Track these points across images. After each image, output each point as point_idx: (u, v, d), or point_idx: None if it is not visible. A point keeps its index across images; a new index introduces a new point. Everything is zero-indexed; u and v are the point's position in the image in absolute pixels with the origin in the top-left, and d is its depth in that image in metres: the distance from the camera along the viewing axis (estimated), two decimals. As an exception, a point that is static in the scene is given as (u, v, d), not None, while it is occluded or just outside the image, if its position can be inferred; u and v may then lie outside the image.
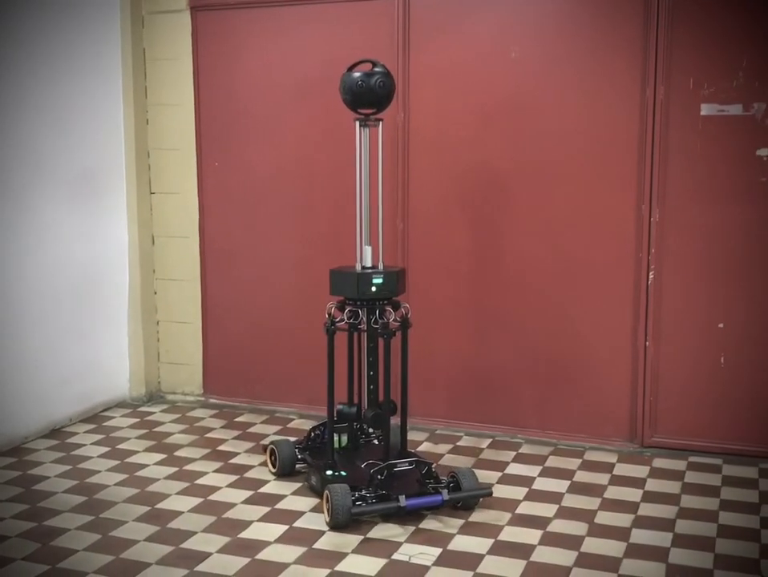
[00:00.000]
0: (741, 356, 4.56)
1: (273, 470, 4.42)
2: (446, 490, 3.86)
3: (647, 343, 4.67)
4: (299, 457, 4.40)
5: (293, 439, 4.56)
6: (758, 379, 4.55)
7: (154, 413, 5.47)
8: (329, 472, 4.07)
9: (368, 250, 4.15)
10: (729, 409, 4.61)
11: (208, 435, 5.05)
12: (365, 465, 4.11)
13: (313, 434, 4.46)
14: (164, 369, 5.76)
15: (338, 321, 4.12)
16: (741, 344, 4.55)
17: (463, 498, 3.91)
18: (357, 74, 3.98)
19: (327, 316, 4.14)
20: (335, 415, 4.24)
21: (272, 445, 4.45)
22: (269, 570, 3.46)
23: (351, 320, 4.11)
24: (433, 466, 4.00)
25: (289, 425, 5.21)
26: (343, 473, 4.07)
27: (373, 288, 4.01)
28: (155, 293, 5.69)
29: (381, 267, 4.13)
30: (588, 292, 4.77)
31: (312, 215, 5.28)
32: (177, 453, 4.74)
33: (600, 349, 4.79)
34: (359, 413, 4.32)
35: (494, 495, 4.10)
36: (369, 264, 4.14)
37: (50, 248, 5.05)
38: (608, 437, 4.81)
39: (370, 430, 4.48)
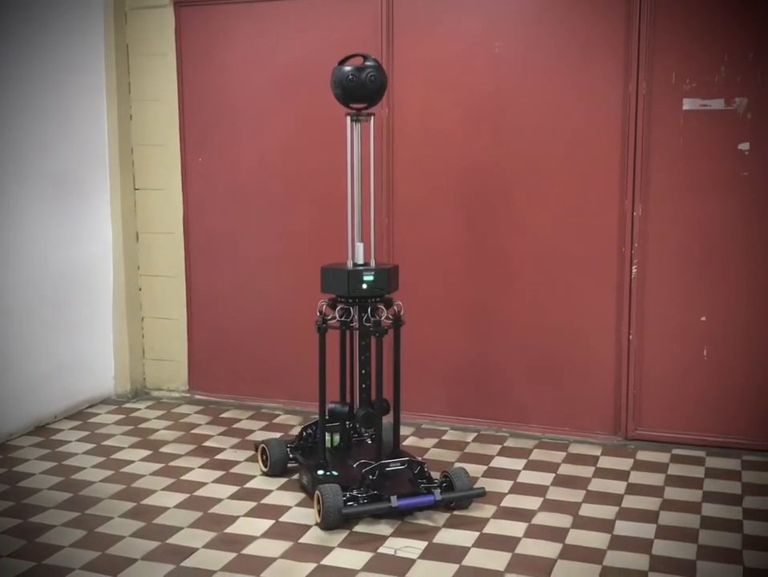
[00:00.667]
0: (724, 349, 4.60)
1: (265, 470, 4.37)
2: (438, 490, 3.82)
3: (630, 336, 4.70)
4: (290, 456, 4.34)
5: (280, 436, 4.57)
6: (741, 372, 4.58)
7: (139, 409, 5.46)
8: (320, 472, 4.02)
9: (360, 247, 4.10)
10: (712, 402, 4.65)
11: (194, 431, 5.05)
12: (357, 464, 4.06)
13: (305, 433, 4.40)
14: (149, 365, 5.76)
15: (330, 319, 4.07)
16: (723, 337, 4.59)
17: (456, 498, 3.88)
18: (347, 68, 3.92)
19: (318, 314, 4.08)
20: (327, 414, 4.19)
21: (263, 445, 4.39)
22: (256, 565, 3.46)
23: (343, 318, 4.05)
24: (425, 465, 3.95)
25: (274, 421, 5.22)
26: (335, 472, 4.01)
27: (364, 286, 3.96)
28: (140, 290, 5.68)
29: (373, 264, 4.08)
30: (572, 286, 4.80)
31: (296, 211, 5.28)
32: (163, 450, 4.74)
33: (583, 343, 4.82)
34: (351, 411, 4.26)
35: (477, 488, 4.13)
36: (361, 261, 4.09)
37: (34, 245, 5.03)
38: (592, 431, 4.84)
39: (363, 429, 4.41)
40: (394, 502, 3.71)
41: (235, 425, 5.14)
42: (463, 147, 4.90)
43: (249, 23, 5.23)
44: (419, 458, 4.19)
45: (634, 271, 4.66)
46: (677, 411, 4.71)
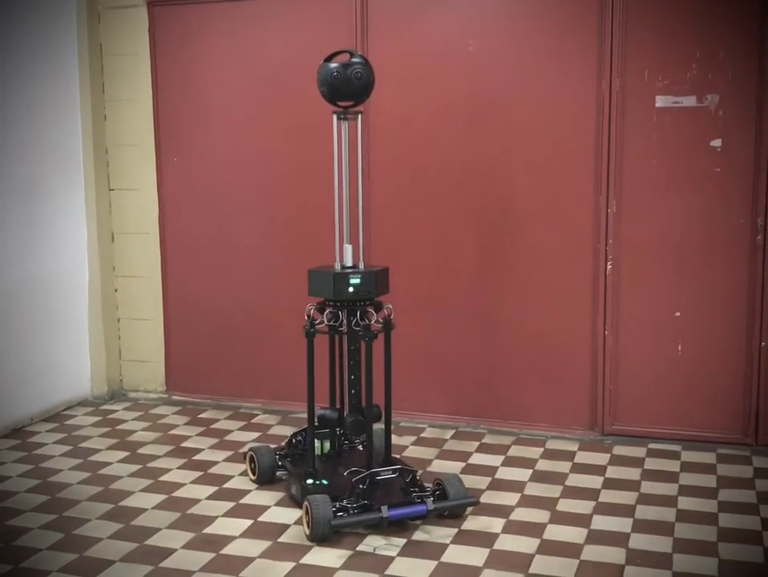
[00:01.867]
0: (698, 344, 4.64)
1: (253, 478, 4.24)
2: (431, 499, 3.71)
3: (606, 332, 4.74)
4: (279, 464, 4.22)
5: (273, 446, 4.42)
6: (715, 366, 4.63)
7: (116, 411, 5.44)
8: (309, 481, 3.90)
9: (348, 249, 3.98)
10: (687, 397, 4.69)
11: (172, 432, 5.04)
12: (347, 472, 3.93)
13: (294, 441, 4.28)
14: (126, 366, 5.73)
15: (318, 324, 3.95)
16: (697, 332, 4.64)
17: (449, 508, 3.76)
18: (332, 65, 3.82)
19: (306, 318, 3.96)
20: (316, 420, 4.05)
21: (251, 452, 4.27)
22: (234, 565, 3.46)
23: (331, 323, 3.94)
24: (417, 473, 3.87)
25: (253, 421, 5.21)
26: (324, 481, 3.90)
27: (351, 289, 3.83)
28: (116, 291, 5.66)
29: (361, 266, 3.95)
30: (547, 283, 4.82)
31: (274, 211, 5.28)
32: (140, 451, 4.72)
33: (560, 340, 4.84)
34: (341, 418, 4.12)
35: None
36: (349, 263, 3.96)
37: (8, 245, 5.00)
38: (569, 426, 4.87)
39: (352, 437, 4.31)
40: (385, 512, 3.60)
41: (213, 426, 5.13)
42: (438, 144, 4.91)
43: (223, 22, 5.22)
44: (411, 466, 4.05)
45: (609, 267, 4.70)
46: (652, 406, 4.74)
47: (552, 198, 4.77)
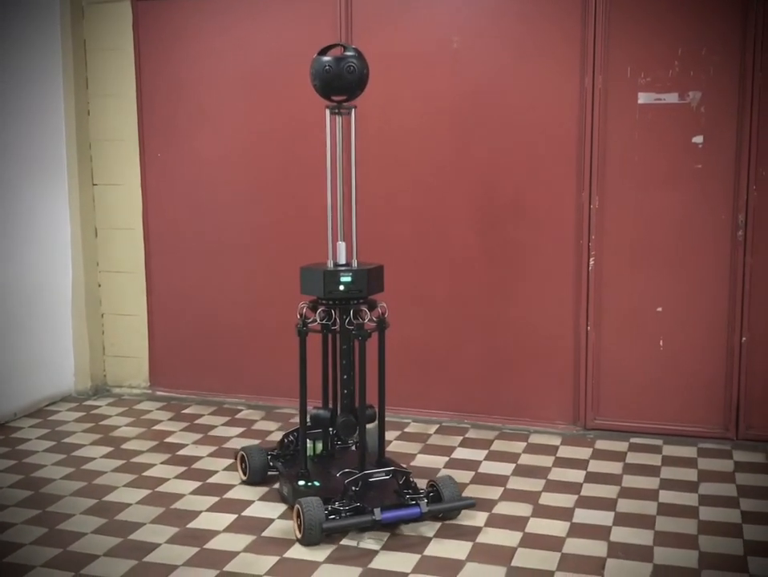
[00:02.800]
0: (680, 339, 4.68)
1: (244, 478, 4.18)
2: (425, 502, 3.65)
3: (588, 328, 4.77)
4: (271, 464, 4.15)
5: (260, 442, 4.40)
6: (696, 361, 4.67)
7: (100, 406, 5.43)
8: (301, 482, 3.84)
9: (341, 246, 3.90)
10: (668, 391, 4.73)
11: (155, 427, 5.04)
12: (340, 474, 3.87)
13: (286, 441, 4.20)
14: (110, 362, 5.72)
15: (311, 322, 3.87)
16: (679, 327, 4.67)
17: (444, 510, 3.72)
18: (325, 59, 3.74)
19: (299, 317, 3.89)
20: (309, 420, 3.99)
21: (242, 452, 4.20)
22: (219, 559, 3.47)
23: (324, 321, 3.86)
24: (411, 474, 3.80)
25: (237, 416, 5.22)
26: (316, 483, 3.83)
27: (341, 287, 3.75)
28: (99, 286, 5.65)
29: (355, 264, 3.87)
30: (531, 278, 4.85)
31: (258, 206, 5.28)
32: (124, 446, 4.72)
33: (543, 335, 4.87)
34: (334, 417, 4.02)
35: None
36: (343, 260, 3.89)
37: (-9, 241, 4.99)
38: (551, 421, 4.90)
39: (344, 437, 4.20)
40: (378, 515, 3.55)
41: (197, 421, 5.13)
42: (423, 141, 4.93)
43: (207, 17, 5.22)
44: (405, 467, 4.04)
45: (591, 263, 4.73)
46: (634, 401, 4.78)
47: (535, 194, 4.79)
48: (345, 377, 3.96)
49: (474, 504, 3.81)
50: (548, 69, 4.69)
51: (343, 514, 3.58)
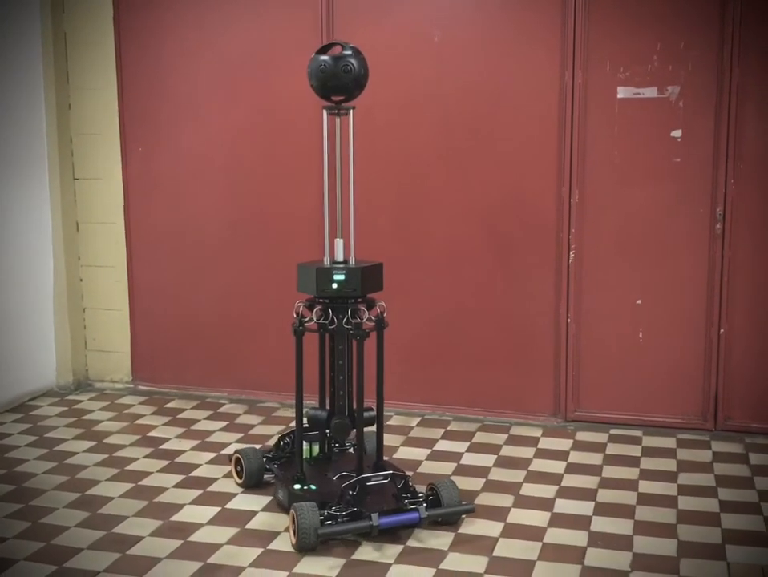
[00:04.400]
0: (659, 331, 4.73)
1: (239, 481, 4.08)
2: (423, 507, 3.55)
3: (569, 320, 4.81)
4: (267, 467, 4.04)
5: (260, 446, 4.32)
6: (676, 353, 4.72)
7: (82, 401, 5.42)
8: (297, 486, 3.73)
9: (339, 243, 3.79)
10: (647, 383, 4.78)
11: (138, 422, 5.04)
12: (337, 477, 3.77)
13: (282, 443, 4.10)
14: (92, 356, 5.71)
15: (307, 321, 3.77)
16: (658, 319, 4.72)
17: (443, 515, 3.62)
18: (321, 57, 3.65)
19: (295, 315, 3.77)
20: (306, 421, 3.86)
21: (237, 455, 4.09)
22: (202, 551, 3.49)
23: (321, 320, 3.75)
24: (410, 478, 3.73)
25: (219, 410, 5.23)
26: (313, 487, 3.72)
27: (334, 285, 3.65)
28: (81, 280, 5.63)
29: (352, 262, 3.77)
30: (512, 272, 4.88)
31: (241, 200, 5.28)
32: (107, 441, 4.72)
33: (523, 327, 4.91)
34: (331, 419, 3.86)
35: (422, 472, 4.21)
36: (340, 258, 3.78)
37: (-29, 235, 4.97)
38: (532, 413, 4.94)
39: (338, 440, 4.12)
40: (375, 520, 3.43)
41: (180, 415, 5.14)
42: (405, 135, 4.95)
43: (189, 11, 5.21)
44: (404, 470, 3.91)
45: (572, 256, 4.76)
46: (614, 392, 4.83)
47: (516, 188, 4.82)
48: (341, 377, 3.84)
49: (473, 510, 3.69)
50: (529, 64, 4.72)
51: (340, 520, 3.48)
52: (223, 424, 4.97)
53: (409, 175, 4.97)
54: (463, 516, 3.72)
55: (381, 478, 3.64)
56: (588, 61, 4.62)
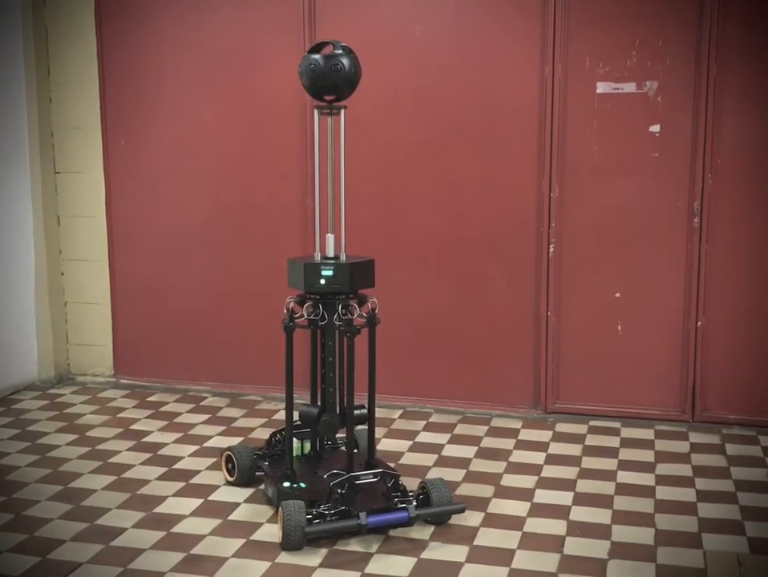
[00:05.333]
0: (638, 323, 4.79)
1: (231, 479, 4.03)
2: (413, 506, 3.51)
3: (548, 314, 4.86)
4: (258, 464, 3.99)
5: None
6: (654, 345, 4.78)
7: (64, 394, 5.42)
8: (286, 484, 3.68)
9: (330, 238, 3.74)
10: (626, 375, 4.83)
11: (120, 415, 5.05)
12: (327, 475, 3.72)
13: (273, 440, 4.04)
14: (73, 350, 5.71)
15: (298, 317, 3.72)
16: (636, 312, 4.78)
17: (432, 515, 3.58)
18: (312, 57, 3.61)
19: (286, 311, 3.72)
20: (298, 418, 3.82)
21: (228, 452, 4.04)
22: (185, 542, 3.51)
23: (311, 317, 3.70)
24: (400, 477, 3.68)
25: (202, 403, 5.24)
26: (303, 484, 3.67)
27: (322, 281, 3.61)
28: (62, 274, 5.63)
29: (343, 257, 3.71)
30: (493, 265, 4.93)
31: (222, 194, 5.29)
32: (89, 434, 4.73)
33: (504, 321, 4.95)
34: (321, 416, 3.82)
35: (404, 463, 4.24)
36: (332, 253, 3.73)
37: (-48, 229, 4.96)
38: (513, 405, 4.99)
39: (326, 437, 4.06)
40: (363, 519, 3.39)
41: (162, 409, 5.15)
42: (385, 129, 4.97)
43: (170, 5, 5.21)
44: (394, 468, 3.93)
45: (551, 249, 4.81)
46: (593, 384, 4.88)
47: (496, 182, 4.86)
48: (331, 374, 3.80)
49: (463, 510, 3.64)
50: (509, 60, 4.76)
51: (328, 518, 3.45)
52: (205, 417, 4.99)
53: (388, 170, 4.99)
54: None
55: (371, 476, 3.61)
56: (567, 56, 4.66)
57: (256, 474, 4.01)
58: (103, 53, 5.37)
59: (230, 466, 4.05)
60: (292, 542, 3.39)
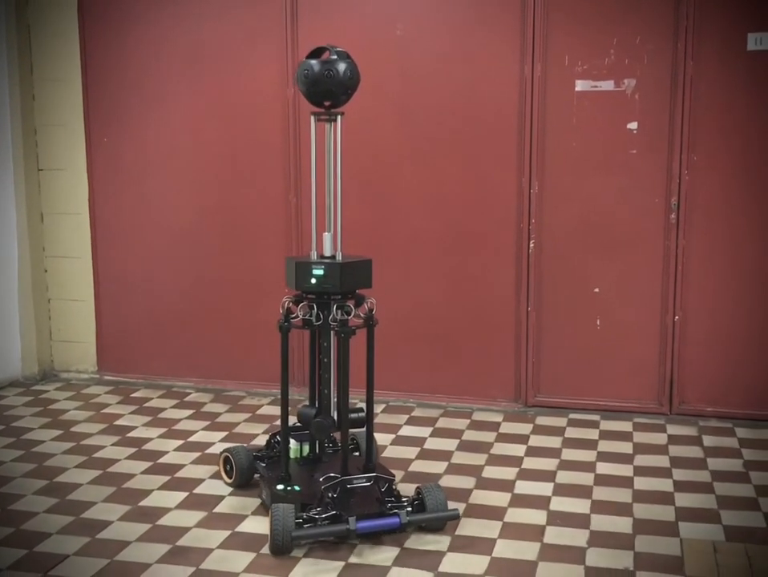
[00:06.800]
0: (616, 318, 4.86)
1: (229, 481, 3.99)
2: (405, 511, 3.42)
3: (529, 309, 4.92)
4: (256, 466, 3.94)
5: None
6: (632, 339, 4.86)
7: (48, 391, 5.45)
8: (280, 486, 3.62)
9: (327, 237, 3.69)
10: (605, 369, 4.91)
11: (105, 411, 5.08)
12: (323, 478, 3.62)
13: (272, 441, 3.98)
14: (57, 347, 5.73)
15: (293, 317, 3.66)
16: (614, 307, 4.85)
17: (425, 521, 3.49)
18: (309, 62, 3.56)
19: (281, 311, 3.67)
20: (297, 419, 3.78)
21: (226, 453, 4.00)
22: (170, 535, 3.55)
23: (306, 317, 3.63)
24: (394, 482, 3.66)
25: (186, 399, 5.28)
26: (297, 487, 3.62)
27: (313, 281, 3.55)
28: (46, 271, 5.65)
29: (339, 257, 3.65)
30: (474, 261, 4.99)
31: (206, 190, 5.33)
32: (74, 429, 4.76)
33: (485, 316, 5.02)
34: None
35: (387, 456, 4.29)
36: (329, 252, 3.67)
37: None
38: (494, 399, 5.05)
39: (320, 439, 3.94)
40: (353, 524, 3.33)
41: (146, 404, 5.18)
42: (367, 127, 5.02)
43: (153, 2, 5.24)
44: (392, 473, 3.83)
45: (531, 246, 4.88)
46: (572, 378, 4.95)
47: (477, 178, 4.92)
48: (326, 375, 3.73)
49: (458, 516, 3.55)
50: (489, 58, 4.82)
51: (319, 523, 3.38)
52: (189, 412, 5.03)
53: (370, 168, 5.04)
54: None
55: (364, 480, 3.56)
56: (546, 55, 4.72)
57: (255, 475, 3.96)
58: (86, 50, 5.39)
59: (228, 467, 4.01)
60: (279, 545, 3.34)
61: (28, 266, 5.52)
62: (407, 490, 3.78)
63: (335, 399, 3.74)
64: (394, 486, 3.59)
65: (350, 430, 3.77)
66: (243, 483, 3.95)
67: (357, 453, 4.05)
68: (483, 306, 5.02)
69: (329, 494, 3.47)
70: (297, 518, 3.37)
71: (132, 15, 5.29)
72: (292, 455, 3.88)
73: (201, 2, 5.17)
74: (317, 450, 3.94)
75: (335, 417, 3.73)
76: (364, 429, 3.79)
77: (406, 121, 4.97)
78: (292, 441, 3.89)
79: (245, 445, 4.24)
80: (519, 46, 4.75)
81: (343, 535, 3.38)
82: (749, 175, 4.63)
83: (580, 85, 4.73)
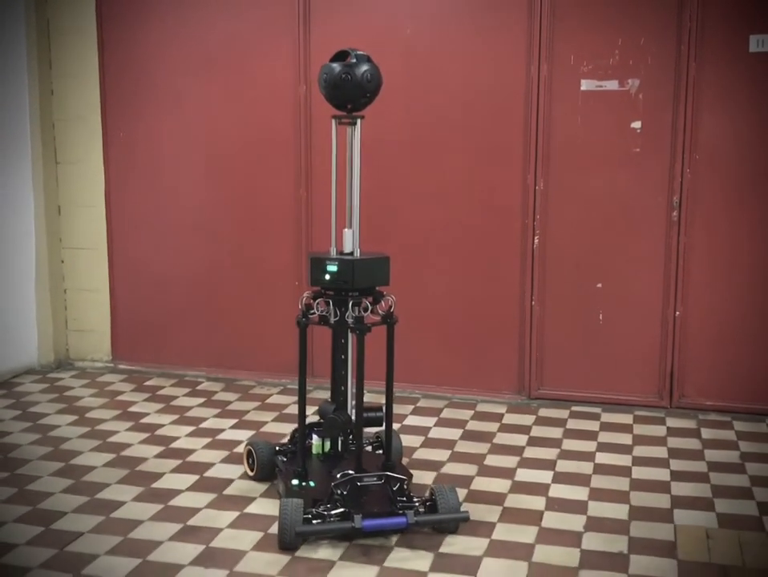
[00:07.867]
0: (618, 313, 4.96)
1: (251, 474, 4.03)
2: (413, 511, 3.40)
3: (533, 303, 5.03)
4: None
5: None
6: (634, 334, 4.95)
7: (63, 378, 5.58)
8: (294, 481, 3.66)
9: (347, 234, 3.67)
10: (607, 363, 5.01)
11: (119, 398, 5.21)
12: (339, 475, 3.59)
13: (295, 436, 3.97)
14: (72, 336, 5.87)
15: (312, 313, 3.67)
16: (617, 302, 4.95)
17: (434, 522, 3.47)
18: (329, 65, 3.56)
19: (300, 306, 3.70)
20: (318, 414, 3.83)
21: (249, 447, 4.03)
22: (181, 515, 3.68)
23: (323, 313, 3.65)
24: (407, 481, 3.63)
25: (198, 388, 5.40)
26: (312, 483, 3.64)
27: (327, 277, 3.55)
28: (63, 262, 5.78)
29: (357, 253, 3.64)
30: (479, 256, 5.09)
31: (219, 183, 5.45)
32: (88, 415, 4.89)
33: (490, 310, 5.13)
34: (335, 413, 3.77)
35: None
36: (348, 249, 3.66)
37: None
38: (498, 391, 5.16)
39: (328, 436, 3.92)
40: (358, 522, 3.31)
41: (159, 392, 5.31)
42: (376, 124, 5.10)
43: (170, 0, 5.36)
44: (408, 472, 3.86)
45: (536, 241, 4.98)
46: (575, 372, 5.06)
47: (484, 176, 5.03)
48: (343, 372, 3.77)
49: (467, 518, 3.50)
50: (497, 58, 4.92)
51: (328, 519, 3.39)
52: (201, 400, 5.15)
53: (377, 164, 5.13)
54: (428, 485, 3.94)
55: (374, 478, 3.54)
56: (552, 55, 4.83)
57: (276, 469, 3.97)
58: (103, 46, 5.51)
59: (251, 461, 4.04)
60: (285, 540, 3.36)
61: (45, 257, 5.66)
62: (424, 481, 3.84)
63: (352, 400, 3.75)
64: (405, 486, 3.58)
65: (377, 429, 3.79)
66: (264, 477, 3.98)
67: (380, 451, 4.04)
68: (488, 300, 5.12)
69: (339, 491, 3.47)
70: (306, 514, 3.39)
71: (149, 11, 5.41)
72: (314, 451, 3.91)
73: (216, 1, 5.29)
74: (339, 447, 3.91)
75: (351, 415, 3.75)
76: (383, 428, 3.81)
77: (412, 117, 5.08)
78: (314, 436, 3.92)
79: (268, 441, 4.16)
80: (526, 45, 4.85)
81: (349, 533, 3.39)
82: (749, 174, 4.72)
83: (585, 84, 4.83)
